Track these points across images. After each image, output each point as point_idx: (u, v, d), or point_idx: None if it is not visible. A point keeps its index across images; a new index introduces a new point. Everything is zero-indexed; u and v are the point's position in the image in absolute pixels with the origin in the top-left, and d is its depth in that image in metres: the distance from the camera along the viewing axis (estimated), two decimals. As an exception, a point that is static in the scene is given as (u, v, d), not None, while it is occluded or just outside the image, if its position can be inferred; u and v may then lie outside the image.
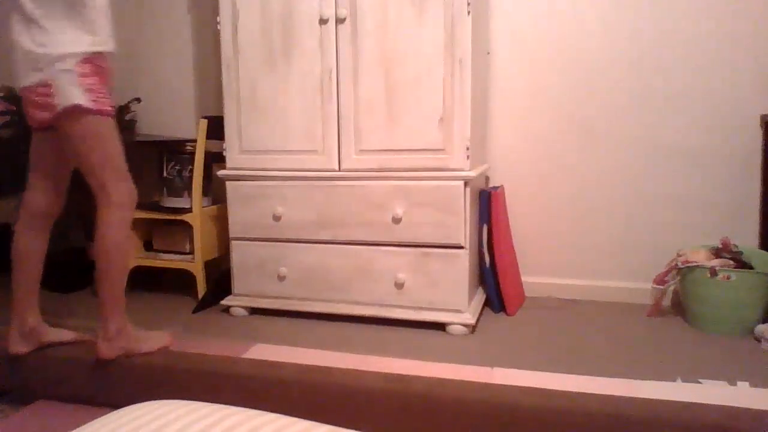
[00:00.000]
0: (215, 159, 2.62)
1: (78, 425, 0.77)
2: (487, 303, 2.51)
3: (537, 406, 1.36)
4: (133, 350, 1.65)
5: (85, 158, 1.59)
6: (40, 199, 1.71)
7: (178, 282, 2.84)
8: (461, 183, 2.17)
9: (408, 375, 1.50)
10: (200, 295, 2.59)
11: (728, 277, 2.11)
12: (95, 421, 0.77)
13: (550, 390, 1.40)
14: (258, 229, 2.43)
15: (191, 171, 2.62)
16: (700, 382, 1.74)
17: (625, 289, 2.56)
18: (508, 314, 2.42)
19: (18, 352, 1.68)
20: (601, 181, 2.58)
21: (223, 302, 2.51)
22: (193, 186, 2.58)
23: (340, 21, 2.24)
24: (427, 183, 2.20)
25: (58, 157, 1.70)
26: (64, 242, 3.01)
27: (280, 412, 0.78)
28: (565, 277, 2.65)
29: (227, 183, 2.48)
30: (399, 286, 2.27)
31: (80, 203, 3.09)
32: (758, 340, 2.06)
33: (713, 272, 2.13)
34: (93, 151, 1.58)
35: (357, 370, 1.55)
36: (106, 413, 0.80)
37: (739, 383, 1.73)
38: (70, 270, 2.89)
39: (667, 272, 2.32)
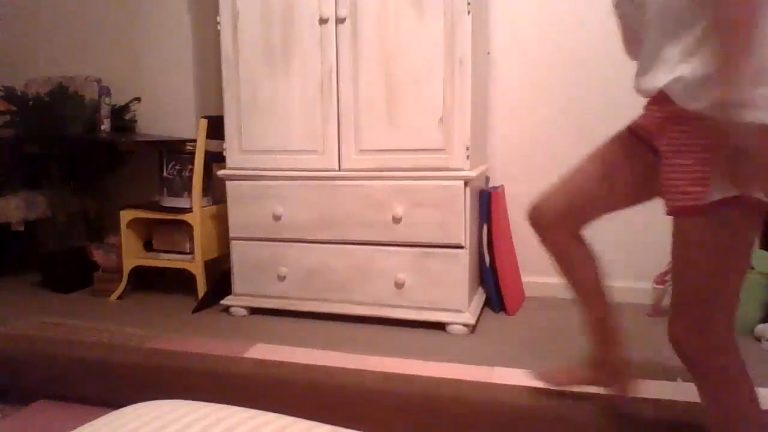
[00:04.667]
0: (215, 159, 2.62)
1: (78, 425, 0.77)
2: (487, 303, 2.51)
3: (537, 406, 1.36)
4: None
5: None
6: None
7: (178, 282, 2.84)
8: (461, 183, 2.17)
9: (408, 375, 1.50)
10: (200, 295, 2.59)
11: (728, 277, 2.11)
12: (95, 421, 0.77)
13: (550, 390, 1.40)
14: (258, 229, 2.43)
15: (191, 171, 2.62)
16: (700, 382, 1.74)
17: (625, 289, 2.55)
18: (508, 314, 2.42)
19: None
20: (601, 181, 2.57)
21: (223, 302, 2.51)
22: (193, 186, 2.58)
23: (340, 21, 2.24)
24: (427, 183, 2.20)
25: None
26: (64, 242, 3.01)
27: (280, 412, 0.78)
28: (565, 277, 2.65)
29: (227, 183, 2.48)
30: (399, 286, 2.27)
31: (81, 203, 3.10)
32: (758, 340, 2.06)
33: (713, 272, 2.12)
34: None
35: (357, 370, 1.55)
36: (106, 413, 0.80)
37: (739, 383, 1.72)
38: (70, 270, 2.89)
39: (667, 272, 2.31)
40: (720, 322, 1.06)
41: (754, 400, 1.09)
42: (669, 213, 1.06)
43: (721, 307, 1.05)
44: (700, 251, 1.03)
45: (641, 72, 1.15)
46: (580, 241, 1.33)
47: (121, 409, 0.80)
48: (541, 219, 1.34)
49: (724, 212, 0.99)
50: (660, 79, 1.08)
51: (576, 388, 1.41)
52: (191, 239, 2.64)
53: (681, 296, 1.08)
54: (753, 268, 2.17)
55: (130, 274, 2.73)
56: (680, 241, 1.07)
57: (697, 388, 1.11)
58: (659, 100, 1.10)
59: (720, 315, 1.06)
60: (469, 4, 2.10)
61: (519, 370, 1.83)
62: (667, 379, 1.77)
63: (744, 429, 1.08)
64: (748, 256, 1.06)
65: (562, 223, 1.31)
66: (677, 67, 1.04)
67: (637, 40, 1.16)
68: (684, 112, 1.01)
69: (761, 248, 2.33)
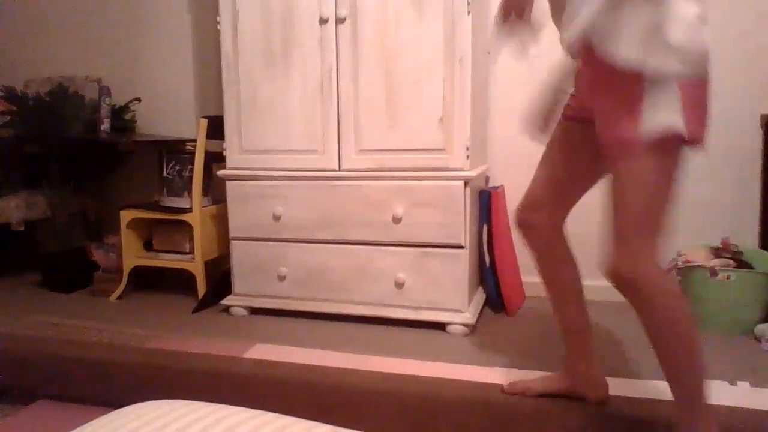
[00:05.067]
0: (215, 159, 2.62)
1: (78, 425, 0.77)
2: (487, 303, 2.51)
3: (536, 406, 1.36)
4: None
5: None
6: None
7: (178, 282, 2.84)
8: (461, 183, 2.17)
9: (408, 375, 1.50)
10: (200, 295, 2.59)
11: (728, 277, 2.11)
12: (95, 421, 0.77)
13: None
14: (258, 229, 2.43)
15: (191, 171, 2.62)
16: (700, 382, 1.74)
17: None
18: (508, 314, 2.42)
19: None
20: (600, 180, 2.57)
21: (223, 302, 2.51)
22: (193, 186, 2.58)
23: (340, 21, 2.24)
24: (427, 183, 2.20)
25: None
26: (64, 242, 3.01)
27: (280, 412, 0.78)
28: (565, 277, 2.65)
29: (227, 183, 2.48)
30: (399, 286, 2.27)
31: (81, 203, 3.10)
32: (758, 340, 2.06)
33: (713, 272, 2.12)
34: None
35: (356, 370, 1.55)
36: (106, 413, 0.80)
37: (739, 383, 1.73)
38: (70, 270, 2.89)
39: (670, 269, 2.31)
40: (656, 248, 1.17)
41: (692, 323, 1.15)
42: (607, 157, 1.15)
43: (656, 234, 1.17)
44: (639, 185, 1.14)
45: (563, 30, 1.23)
46: (564, 242, 1.39)
47: (121, 409, 0.80)
48: (527, 219, 1.38)
49: (655, 148, 1.10)
50: (576, 32, 1.16)
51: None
52: (191, 239, 2.65)
53: (621, 230, 1.17)
54: (752, 268, 2.17)
55: (130, 274, 2.73)
56: (619, 180, 1.16)
57: (643, 323, 1.17)
58: (583, 56, 1.18)
59: (656, 241, 1.17)
60: (469, 4, 2.10)
61: (519, 370, 1.83)
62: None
63: (692, 353, 1.14)
64: (676, 185, 1.19)
65: (546, 217, 1.37)
66: (589, 21, 1.13)
67: (560, 6, 1.23)
68: (604, 65, 1.11)
69: (761, 248, 2.33)
